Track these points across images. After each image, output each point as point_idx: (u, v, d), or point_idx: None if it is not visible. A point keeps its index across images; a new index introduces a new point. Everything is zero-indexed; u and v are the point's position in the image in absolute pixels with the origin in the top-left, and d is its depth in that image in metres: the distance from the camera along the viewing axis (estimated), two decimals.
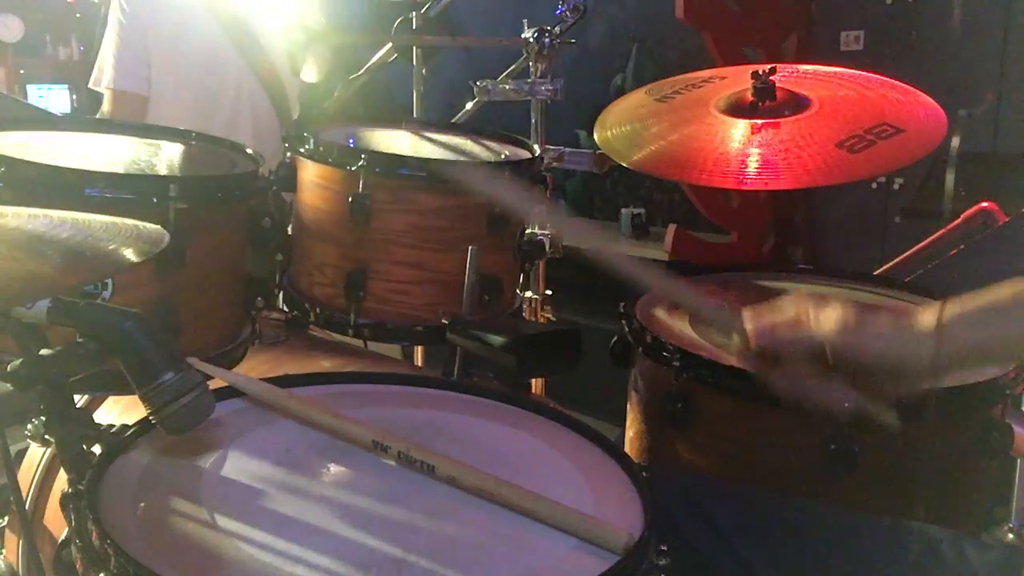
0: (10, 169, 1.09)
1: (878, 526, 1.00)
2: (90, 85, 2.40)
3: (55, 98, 5.96)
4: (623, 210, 3.95)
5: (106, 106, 2.36)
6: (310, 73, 2.67)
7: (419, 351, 2.39)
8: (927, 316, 0.91)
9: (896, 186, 3.28)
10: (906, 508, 1.12)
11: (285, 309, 1.55)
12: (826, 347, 0.89)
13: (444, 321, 1.38)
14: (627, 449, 1.31)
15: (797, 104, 1.45)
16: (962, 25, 2.89)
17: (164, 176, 1.29)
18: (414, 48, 2.40)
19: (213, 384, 0.93)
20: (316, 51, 2.66)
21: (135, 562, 0.70)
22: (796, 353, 0.91)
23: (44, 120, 1.58)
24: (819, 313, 0.91)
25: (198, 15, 2.40)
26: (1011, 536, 1.24)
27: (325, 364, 1.46)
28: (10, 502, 1.20)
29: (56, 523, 1.29)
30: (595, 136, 1.53)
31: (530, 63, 2.15)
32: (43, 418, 0.90)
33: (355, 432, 0.94)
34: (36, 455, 1.39)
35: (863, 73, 1.53)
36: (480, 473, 0.86)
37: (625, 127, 1.51)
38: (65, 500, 0.82)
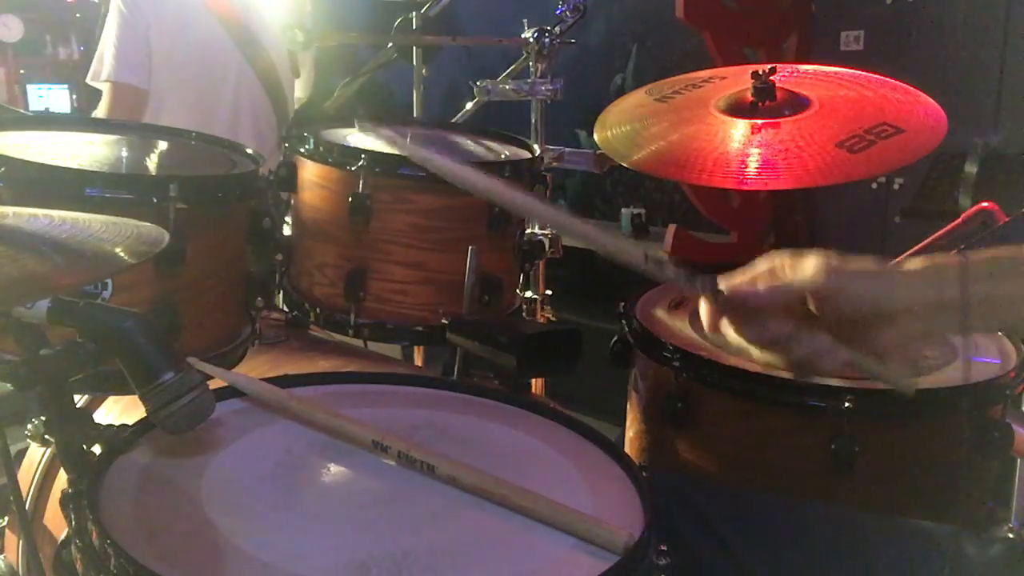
0: (10, 169, 1.09)
1: (877, 525, 1.00)
2: (88, 80, 2.39)
3: (55, 98, 5.97)
4: (623, 210, 3.96)
5: (105, 99, 2.35)
6: (298, 89, 2.68)
7: (419, 351, 2.39)
8: (916, 260, 0.88)
9: (896, 186, 3.28)
10: (906, 508, 1.12)
11: (285, 309, 1.55)
12: (807, 293, 0.85)
13: (444, 321, 1.38)
14: (627, 449, 1.31)
15: (797, 104, 1.45)
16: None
17: (164, 176, 1.29)
18: (414, 48, 2.40)
19: (213, 384, 0.93)
20: (302, 60, 2.67)
21: (135, 562, 0.70)
22: (776, 304, 0.86)
23: (44, 120, 1.58)
24: (796, 262, 0.87)
25: (199, 12, 2.40)
26: (1011, 536, 1.24)
27: (325, 364, 1.46)
28: (10, 502, 1.20)
29: (56, 523, 1.29)
30: (595, 136, 1.53)
31: (530, 63, 2.16)
32: (43, 418, 0.90)
33: (355, 432, 0.94)
34: (36, 455, 1.39)
35: (863, 73, 1.53)
36: (480, 473, 0.86)
37: (625, 127, 1.51)
38: (65, 500, 0.82)
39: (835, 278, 0.86)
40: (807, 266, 0.87)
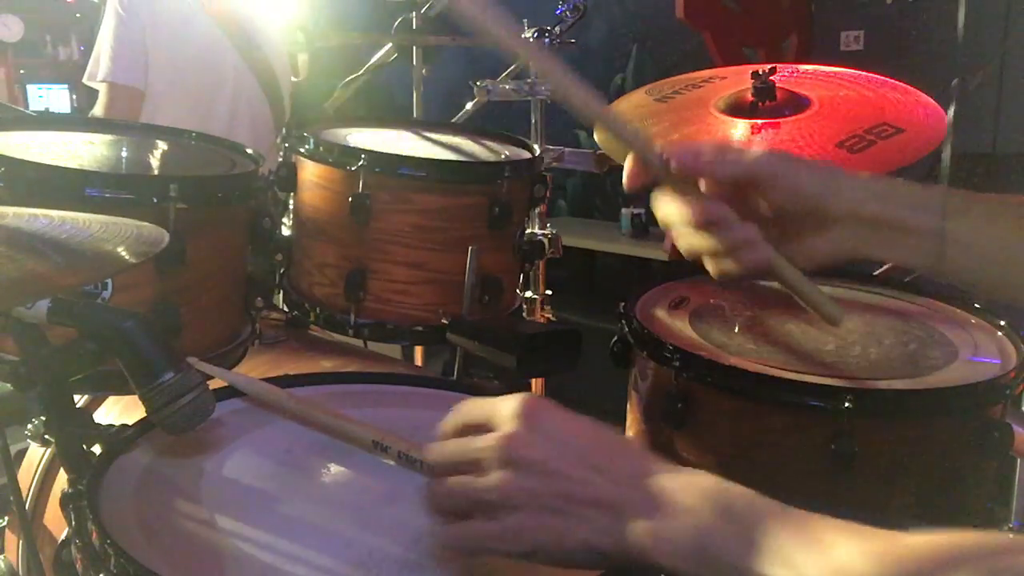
0: (10, 169, 1.09)
1: (876, 525, 1.00)
2: (85, 80, 2.39)
3: (55, 98, 5.97)
4: (623, 210, 3.97)
5: (102, 100, 2.35)
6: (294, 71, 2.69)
7: (419, 351, 2.39)
8: (866, 174, 0.87)
9: None
10: (906, 508, 1.12)
11: (285, 309, 1.55)
12: (753, 173, 0.82)
13: (444, 321, 1.38)
14: None
15: (797, 104, 1.45)
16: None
17: (164, 176, 1.29)
18: (414, 48, 2.40)
19: (213, 384, 0.93)
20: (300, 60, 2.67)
21: (135, 562, 0.70)
22: (718, 176, 0.83)
23: (43, 120, 1.59)
24: (744, 146, 0.87)
25: (196, 13, 2.41)
26: (1011, 536, 1.24)
27: (325, 364, 1.46)
28: (10, 502, 1.20)
29: (56, 523, 1.29)
30: (595, 136, 1.53)
31: (530, 63, 2.16)
32: (43, 418, 0.90)
33: (355, 432, 0.94)
34: (36, 455, 1.39)
35: (863, 73, 1.53)
36: None
37: None
38: (65, 500, 0.82)
39: (785, 163, 0.83)
40: (756, 148, 0.85)
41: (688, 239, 0.87)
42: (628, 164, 0.85)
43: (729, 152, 0.84)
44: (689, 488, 0.64)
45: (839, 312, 0.94)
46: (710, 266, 0.88)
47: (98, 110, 2.36)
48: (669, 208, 0.86)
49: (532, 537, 0.65)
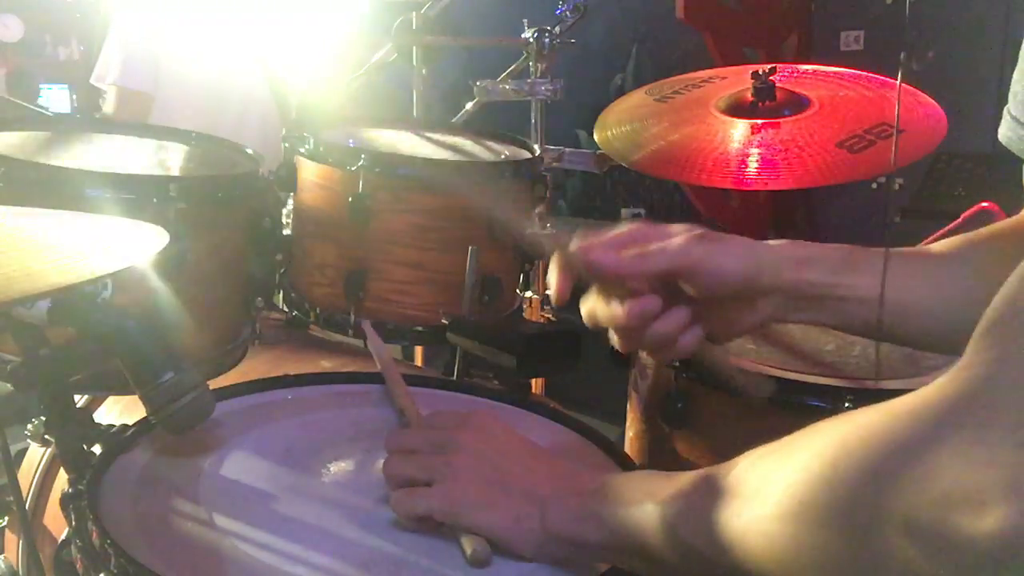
0: (10, 169, 1.09)
1: None
2: (92, 80, 2.39)
3: (55, 98, 5.96)
4: (623, 210, 3.96)
5: (111, 103, 2.36)
6: None
7: (419, 351, 2.39)
8: (778, 242, 0.88)
9: (896, 186, 3.28)
10: None
11: (285, 309, 1.55)
12: (675, 266, 0.82)
13: (444, 321, 1.38)
14: (627, 449, 1.31)
15: (797, 104, 1.45)
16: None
17: (164, 176, 1.29)
18: (414, 48, 2.40)
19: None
20: None
21: (135, 562, 0.70)
22: (640, 274, 0.83)
23: (44, 120, 1.59)
24: (663, 232, 0.85)
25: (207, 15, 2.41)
26: None
27: (325, 364, 1.46)
28: (10, 502, 1.20)
29: (56, 523, 1.29)
30: (595, 136, 1.53)
31: (530, 63, 2.16)
32: (43, 418, 0.90)
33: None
34: (36, 455, 1.39)
35: (863, 73, 1.53)
36: None
37: (625, 127, 1.51)
38: (65, 500, 0.82)
39: (705, 249, 0.83)
40: (676, 239, 0.84)
41: (623, 337, 0.88)
42: (553, 277, 0.86)
43: (649, 245, 0.84)
44: (595, 481, 0.75)
45: (767, 387, 0.97)
46: (650, 355, 0.90)
47: (108, 112, 2.36)
48: (601, 312, 0.87)
49: (465, 498, 0.75)
